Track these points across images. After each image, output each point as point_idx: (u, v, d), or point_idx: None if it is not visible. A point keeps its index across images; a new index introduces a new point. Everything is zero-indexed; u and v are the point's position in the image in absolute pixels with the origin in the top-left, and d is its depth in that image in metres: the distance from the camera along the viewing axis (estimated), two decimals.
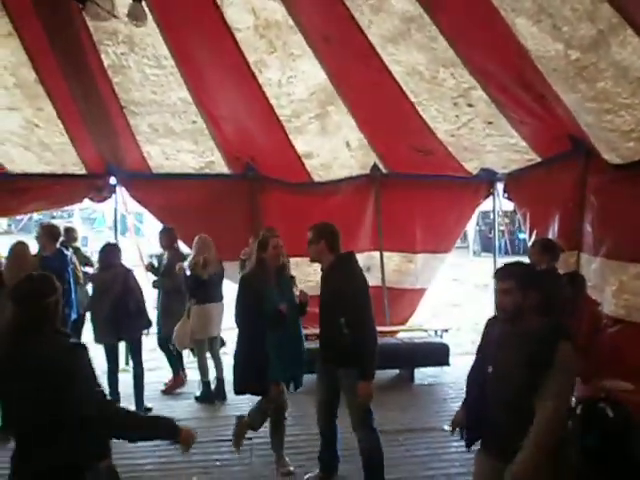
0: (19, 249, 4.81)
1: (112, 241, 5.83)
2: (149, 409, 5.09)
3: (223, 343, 5.62)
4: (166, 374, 5.88)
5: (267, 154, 5.95)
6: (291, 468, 3.87)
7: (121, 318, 4.88)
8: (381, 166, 6.28)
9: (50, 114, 5.24)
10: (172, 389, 5.65)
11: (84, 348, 2.08)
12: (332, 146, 5.91)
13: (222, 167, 6.14)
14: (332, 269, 3.43)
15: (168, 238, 5.75)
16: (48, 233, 5.21)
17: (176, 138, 5.69)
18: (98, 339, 4.99)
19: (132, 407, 5.11)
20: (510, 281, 2.17)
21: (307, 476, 3.77)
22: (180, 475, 3.98)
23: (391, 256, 6.66)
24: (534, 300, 2.15)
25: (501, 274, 2.22)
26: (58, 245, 5.25)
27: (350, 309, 3.29)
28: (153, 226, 11.24)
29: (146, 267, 5.82)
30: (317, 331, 3.73)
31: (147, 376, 5.41)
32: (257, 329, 3.59)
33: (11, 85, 4.93)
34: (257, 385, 3.64)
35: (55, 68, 4.78)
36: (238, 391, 3.82)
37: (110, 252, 5.10)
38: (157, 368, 6.29)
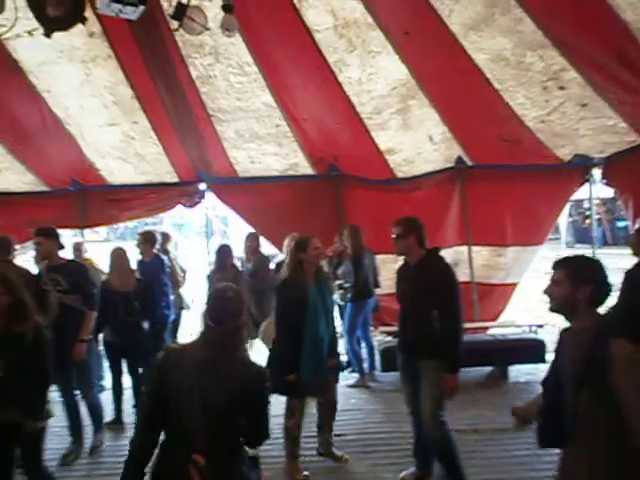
0: (118, 254, 5.15)
1: (226, 242, 6.10)
2: None
3: None
4: None
5: (350, 152, 5.98)
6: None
7: None
8: (466, 158, 6.10)
9: (145, 127, 5.59)
10: None
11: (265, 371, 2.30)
12: (415, 141, 5.83)
13: (306, 168, 6.25)
14: (423, 263, 3.42)
15: (254, 242, 5.98)
16: (147, 239, 5.56)
17: (261, 142, 5.86)
18: None
19: None
20: (562, 271, 2.07)
21: (403, 474, 3.75)
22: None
23: (480, 250, 6.46)
24: (587, 293, 2.01)
25: (555, 264, 2.13)
26: (155, 250, 5.61)
27: (443, 303, 3.30)
28: (238, 229, 11.69)
29: None
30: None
31: None
32: (295, 332, 3.65)
33: (110, 103, 5.30)
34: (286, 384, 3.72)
35: (148, 84, 5.08)
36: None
37: (224, 253, 5.43)
38: None
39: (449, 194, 6.31)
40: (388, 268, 5.97)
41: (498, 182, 6.12)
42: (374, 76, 5.04)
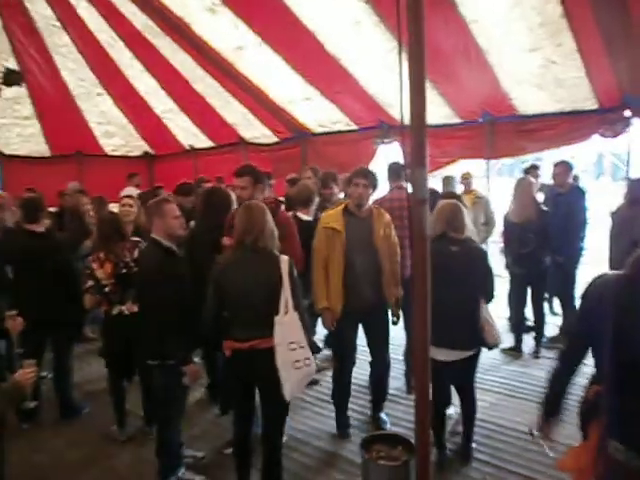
0: (520, 185, 5.44)
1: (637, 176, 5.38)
2: None
3: None
4: None
5: None
6: None
7: None
8: None
9: (569, 49, 5.14)
10: None
11: None
12: None
13: None
14: None
15: None
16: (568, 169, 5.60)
17: None
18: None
19: None
20: None
21: None
22: None
23: None
24: None
25: None
26: (571, 180, 5.38)
27: None
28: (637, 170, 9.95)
29: None
30: None
31: None
32: None
33: (536, 25, 5.04)
34: None
35: None
36: None
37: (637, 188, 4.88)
38: None
39: None
40: None
41: None
42: None
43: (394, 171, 4.90)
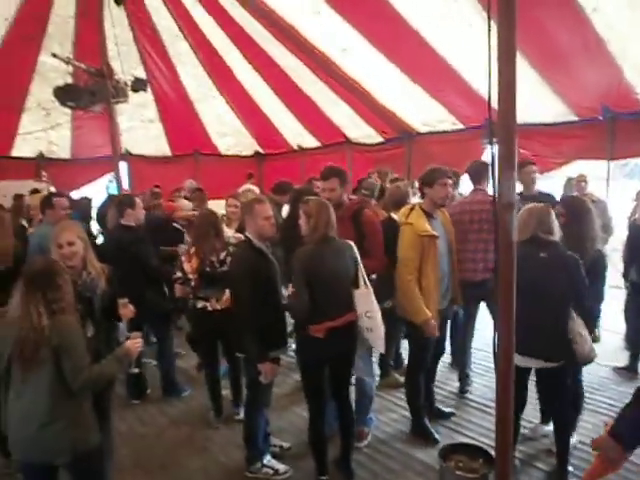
0: None
1: None
2: None
3: None
4: None
5: None
6: None
7: None
8: None
9: None
10: None
11: None
12: None
13: None
14: None
15: None
16: None
17: None
18: None
19: None
20: None
21: None
22: None
23: None
24: None
25: None
26: None
27: None
28: None
29: None
30: None
31: None
32: None
33: None
34: None
35: None
36: None
37: None
38: None
39: None
40: None
41: None
42: None
43: (475, 172, 4.52)
